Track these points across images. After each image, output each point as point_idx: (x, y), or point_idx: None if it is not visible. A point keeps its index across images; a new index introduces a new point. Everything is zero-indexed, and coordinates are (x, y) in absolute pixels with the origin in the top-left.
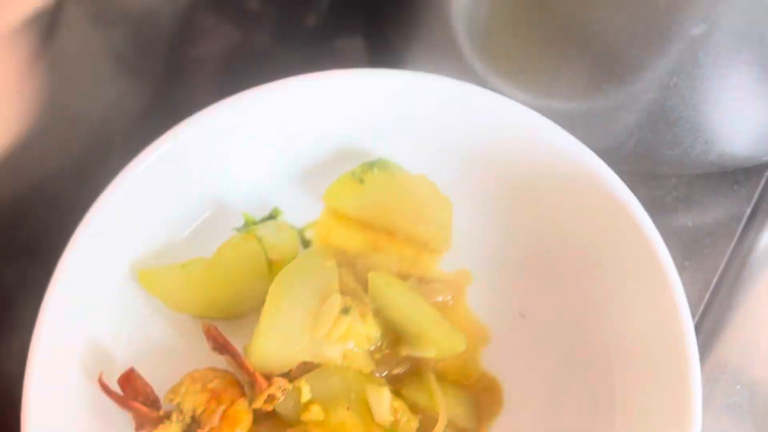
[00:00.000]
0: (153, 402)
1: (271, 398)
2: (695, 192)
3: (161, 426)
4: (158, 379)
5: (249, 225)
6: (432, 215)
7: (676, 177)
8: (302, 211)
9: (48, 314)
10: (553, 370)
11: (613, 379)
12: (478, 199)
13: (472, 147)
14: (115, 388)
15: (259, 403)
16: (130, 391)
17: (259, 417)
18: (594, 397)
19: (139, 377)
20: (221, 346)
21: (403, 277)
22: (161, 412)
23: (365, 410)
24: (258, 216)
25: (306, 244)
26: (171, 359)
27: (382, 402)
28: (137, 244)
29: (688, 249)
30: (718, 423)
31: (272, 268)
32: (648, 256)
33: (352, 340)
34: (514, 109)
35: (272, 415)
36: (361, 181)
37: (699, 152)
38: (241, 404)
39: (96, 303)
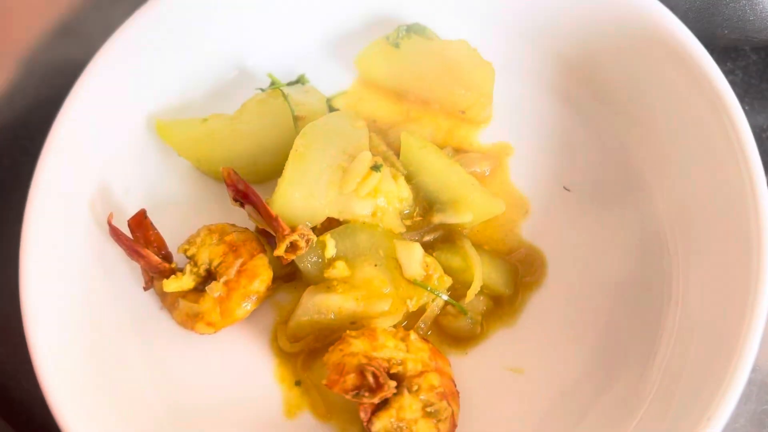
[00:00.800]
0: (165, 255)
1: (294, 246)
2: (753, 78)
3: (173, 277)
4: (171, 237)
5: (275, 86)
6: (472, 81)
7: (731, 61)
8: (331, 80)
9: (53, 151)
10: (599, 245)
11: (668, 258)
12: (523, 66)
13: (520, 11)
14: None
15: (281, 251)
16: (141, 237)
17: (280, 277)
18: (646, 277)
19: (151, 225)
20: (242, 194)
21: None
22: (173, 265)
23: (394, 267)
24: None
25: None
26: (185, 218)
27: (413, 256)
28: (154, 95)
29: None
30: None
31: (299, 125)
32: (718, 114)
33: (382, 196)
34: None
35: (294, 276)
36: (396, 45)
37: (764, 7)
38: (261, 258)
39: (107, 149)
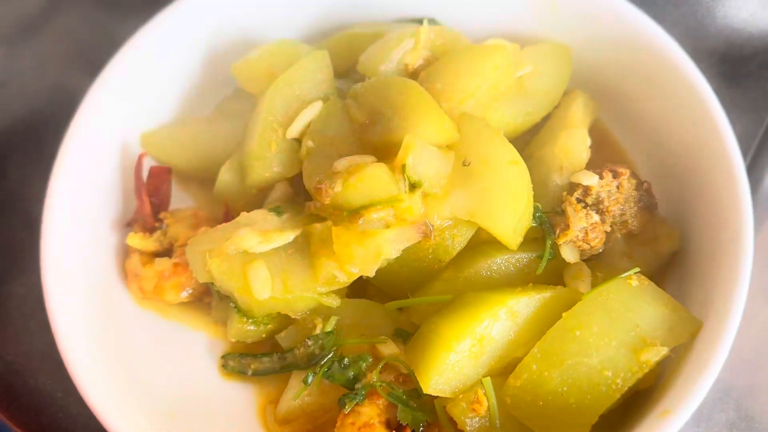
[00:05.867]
0: (158, 209)
1: None
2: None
3: (139, 234)
4: None
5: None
6: None
7: None
8: None
9: (65, 162)
10: None
11: None
12: None
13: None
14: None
15: None
16: (152, 184)
17: None
18: None
19: (169, 185)
20: None
21: None
22: (156, 224)
23: None
24: None
25: None
26: None
27: None
28: (147, 110)
29: None
30: None
31: None
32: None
33: None
34: None
35: None
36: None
37: None
38: None
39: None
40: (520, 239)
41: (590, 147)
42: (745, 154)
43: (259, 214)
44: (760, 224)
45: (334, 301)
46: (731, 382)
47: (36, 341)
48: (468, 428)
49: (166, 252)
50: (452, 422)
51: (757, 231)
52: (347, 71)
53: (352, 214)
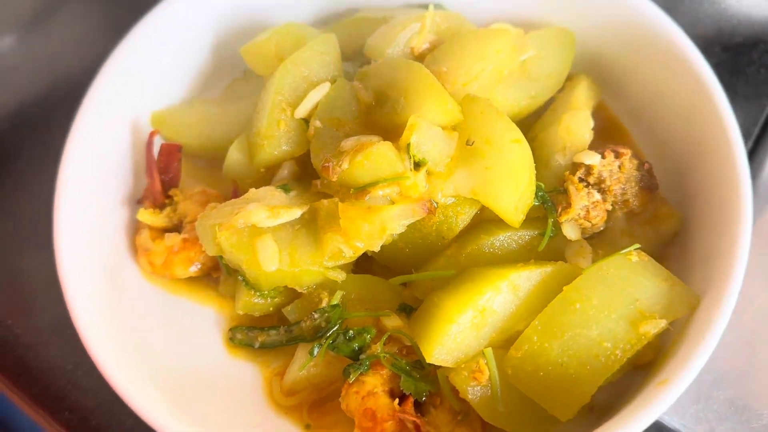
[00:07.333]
0: (169, 186)
1: None
2: (724, 73)
3: (150, 210)
4: None
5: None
6: None
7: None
8: None
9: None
10: None
11: None
12: None
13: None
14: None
15: None
16: (163, 162)
17: None
18: None
19: (179, 162)
20: None
21: None
22: (166, 201)
23: None
24: None
25: None
26: None
27: None
28: (155, 90)
29: None
30: None
31: None
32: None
33: None
34: None
35: None
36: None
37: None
38: None
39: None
40: (522, 217)
41: (593, 129)
42: (746, 139)
43: (267, 191)
44: (761, 210)
45: (340, 275)
46: (731, 363)
47: (46, 315)
48: (470, 396)
49: (176, 228)
50: (454, 392)
51: (757, 217)
52: (354, 54)
53: (359, 191)
